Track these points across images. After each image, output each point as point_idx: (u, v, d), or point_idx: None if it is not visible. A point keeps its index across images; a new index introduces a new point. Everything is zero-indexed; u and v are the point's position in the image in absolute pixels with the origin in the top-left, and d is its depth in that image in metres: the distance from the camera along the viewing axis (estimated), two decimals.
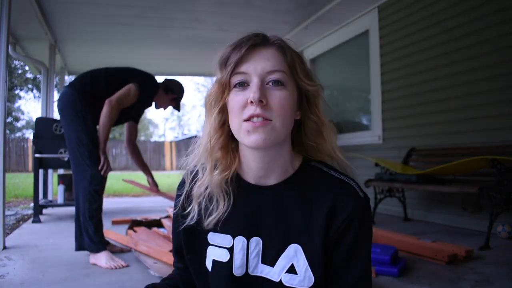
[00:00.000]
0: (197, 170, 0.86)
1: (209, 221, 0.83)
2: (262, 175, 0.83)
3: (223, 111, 0.80)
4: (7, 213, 4.90)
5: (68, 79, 8.59)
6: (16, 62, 16.94)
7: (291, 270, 0.79)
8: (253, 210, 0.83)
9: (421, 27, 3.97)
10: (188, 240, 0.88)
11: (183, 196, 0.87)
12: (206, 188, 0.83)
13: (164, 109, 3.20)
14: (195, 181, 0.86)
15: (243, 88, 0.76)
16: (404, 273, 2.27)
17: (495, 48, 3.23)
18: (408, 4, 4.13)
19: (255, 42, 0.76)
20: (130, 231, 3.41)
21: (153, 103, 3.11)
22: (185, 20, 4.97)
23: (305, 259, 0.78)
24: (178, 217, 0.89)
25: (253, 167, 0.82)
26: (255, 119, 0.73)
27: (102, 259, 2.53)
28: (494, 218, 2.80)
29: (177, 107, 3.18)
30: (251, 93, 0.73)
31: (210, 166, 0.82)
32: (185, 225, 0.86)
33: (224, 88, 0.77)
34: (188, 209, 0.85)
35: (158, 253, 2.54)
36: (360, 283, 0.78)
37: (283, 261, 0.80)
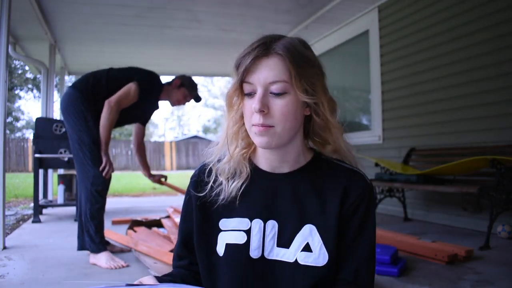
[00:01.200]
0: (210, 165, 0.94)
1: (232, 187, 0.90)
2: (276, 164, 0.90)
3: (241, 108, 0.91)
4: (7, 213, 4.90)
5: (68, 79, 8.60)
6: (16, 62, 16.93)
7: (306, 248, 0.84)
8: (269, 194, 0.89)
9: (421, 27, 3.97)
10: (202, 221, 0.92)
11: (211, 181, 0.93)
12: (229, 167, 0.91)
13: (183, 104, 3.18)
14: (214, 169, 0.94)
15: (251, 96, 0.84)
16: (404, 273, 2.27)
17: (495, 48, 3.23)
18: (408, 4, 4.14)
19: (258, 54, 0.82)
20: (130, 231, 3.41)
21: (169, 102, 3.11)
22: (185, 20, 4.97)
23: (320, 238, 0.84)
24: (191, 200, 0.93)
25: (268, 157, 0.91)
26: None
27: (102, 259, 2.54)
28: (494, 218, 2.80)
29: (196, 98, 3.17)
30: (253, 103, 0.82)
31: (234, 146, 0.91)
32: (207, 200, 0.91)
33: (238, 92, 0.86)
34: (216, 188, 0.92)
35: (158, 253, 2.55)
36: (365, 263, 0.85)
37: (298, 240, 0.85)
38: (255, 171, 0.92)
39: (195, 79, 3.22)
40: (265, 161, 0.91)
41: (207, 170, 0.94)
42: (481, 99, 3.36)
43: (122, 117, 2.79)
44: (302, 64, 0.82)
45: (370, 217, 0.87)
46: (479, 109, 3.38)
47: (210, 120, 35.73)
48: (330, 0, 4.47)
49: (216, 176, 0.92)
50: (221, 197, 0.90)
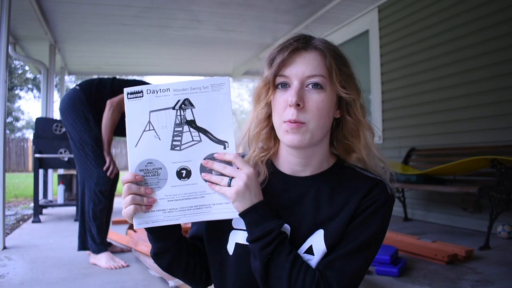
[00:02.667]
0: None
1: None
2: (298, 168, 0.88)
3: (269, 106, 0.88)
4: (7, 213, 4.90)
5: (68, 79, 8.59)
6: (16, 62, 16.90)
7: (309, 251, 0.82)
8: (286, 198, 0.87)
9: (421, 27, 3.97)
10: (214, 222, 0.89)
11: None
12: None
13: None
14: None
15: (285, 89, 0.82)
16: (404, 273, 2.27)
17: (495, 48, 3.23)
18: (408, 4, 4.13)
19: (297, 47, 0.81)
20: (130, 231, 3.41)
21: None
22: (185, 20, 4.97)
23: (324, 242, 0.82)
24: None
25: (291, 161, 0.88)
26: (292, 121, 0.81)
27: (102, 259, 2.54)
28: (494, 218, 2.80)
29: None
30: (290, 96, 0.79)
31: (253, 148, 0.91)
32: None
33: (268, 87, 0.84)
34: None
35: None
36: (346, 258, 0.80)
37: (306, 243, 0.83)
38: (275, 174, 0.89)
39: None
40: (287, 164, 0.89)
41: None
42: (481, 99, 3.36)
43: (122, 125, 2.75)
44: (340, 61, 0.83)
45: (374, 220, 0.82)
46: (479, 109, 3.38)
47: None
48: (330, 0, 4.47)
49: None
50: None
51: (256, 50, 6.34)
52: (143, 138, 0.78)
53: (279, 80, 0.82)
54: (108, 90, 2.74)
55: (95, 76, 2.97)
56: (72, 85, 17.41)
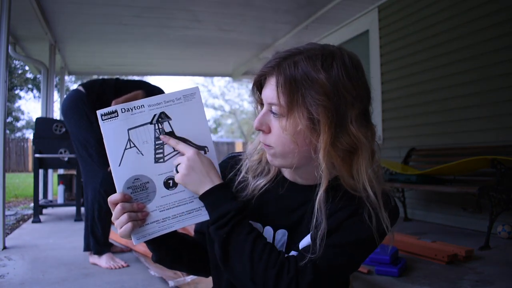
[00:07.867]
0: (240, 158, 0.94)
1: (255, 186, 0.88)
2: (295, 177, 0.88)
3: None
4: (7, 213, 4.90)
5: (68, 79, 8.58)
6: (16, 62, 16.88)
7: (296, 249, 0.82)
8: (286, 203, 0.86)
9: (421, 27, 3.97)
10: None
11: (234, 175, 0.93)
12: (258, 163, 0.90)
13: None
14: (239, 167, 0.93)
15: None
16: (404, 273, 2.27)
17: (494, 48, 3.23)
18: (408, 4, 4.14)
19: (264, 72, 0.80)
20: None
21: None
22: (185, 20, 4.97)
23: (309, 239, 0.80)
24: None
25: (287, 169, 0.88)
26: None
27: (102, 259, 2.54)
28: (494, 218, 2.80)
29: None
30: (254, 121, 0.81)
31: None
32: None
33: (258, 104, 0.87)
34: (241, 181, 0.90)
35: None
36: (328, 250, 0.76)
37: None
38: (280, 178, 0.89)
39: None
40: (286, 171, 0.89)
41: (236, 166, 0.92)
42: (480, 99, 3.36)
43: None
44: (301, 88, 0.75)
45: (371, 223, 0.78)
46: (479, 109, 3.38)
47: (210, 120, 35.71)
48: (330, 0, 4.47)
49: (245, 172, 0.90)
50: (243, 194, 0.88)
51: (256, 50, 6.33)
52: (126, 156, 0.79)
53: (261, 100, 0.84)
54: (112, 89, 2.72)
55: (95, 77, 2.93)
56: (72, 85, 17.41)
